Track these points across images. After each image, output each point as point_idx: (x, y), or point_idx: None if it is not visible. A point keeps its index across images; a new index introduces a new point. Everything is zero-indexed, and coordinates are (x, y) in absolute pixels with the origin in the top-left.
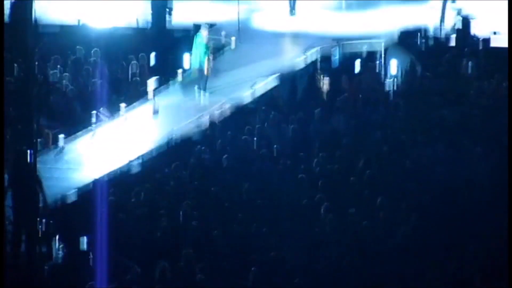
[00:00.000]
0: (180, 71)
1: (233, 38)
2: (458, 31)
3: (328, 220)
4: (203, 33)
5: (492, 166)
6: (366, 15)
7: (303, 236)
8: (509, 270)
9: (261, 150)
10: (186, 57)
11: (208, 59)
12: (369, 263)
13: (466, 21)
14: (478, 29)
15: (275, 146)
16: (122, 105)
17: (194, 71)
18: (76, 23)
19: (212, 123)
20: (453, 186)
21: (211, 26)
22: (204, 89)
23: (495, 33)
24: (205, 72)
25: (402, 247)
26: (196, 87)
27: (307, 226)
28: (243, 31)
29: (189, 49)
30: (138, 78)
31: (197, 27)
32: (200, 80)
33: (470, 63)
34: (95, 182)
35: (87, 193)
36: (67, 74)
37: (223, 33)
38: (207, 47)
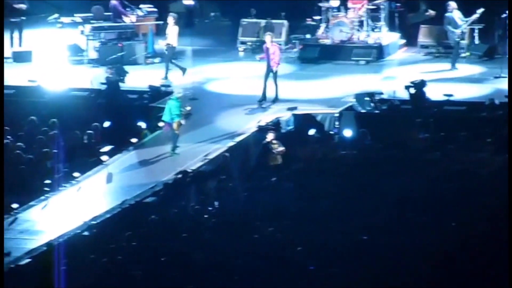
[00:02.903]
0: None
1: (188, 108)
2: (411, 97)
3: None
4: (177, 92)
5: (441, 236)
6: (320, 83)
7: None
8: (509, 270)
9: (213, 219)
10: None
11: (181, 116)
12: None
13: (419, 87)
14: (431, 94)
15: (228, 215)
16: (76, 174)
17: (165, 127)
18: (30, 84)
19: (166, 192)
20: (401, 257)
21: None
22: (173, 150)
23: (448, 97)
24: (176, 130)
25: None
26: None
27: None
28: (198, 96)
29: (144, 113)
30: (93, 145)
31: (153, 89)
32: (171, 139)
33: (421, 130)
34: (48, 251)
35: (40, 262)
36: (20, 144)
37: None
38: (180, 105)
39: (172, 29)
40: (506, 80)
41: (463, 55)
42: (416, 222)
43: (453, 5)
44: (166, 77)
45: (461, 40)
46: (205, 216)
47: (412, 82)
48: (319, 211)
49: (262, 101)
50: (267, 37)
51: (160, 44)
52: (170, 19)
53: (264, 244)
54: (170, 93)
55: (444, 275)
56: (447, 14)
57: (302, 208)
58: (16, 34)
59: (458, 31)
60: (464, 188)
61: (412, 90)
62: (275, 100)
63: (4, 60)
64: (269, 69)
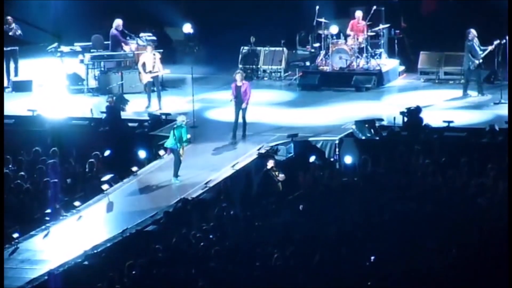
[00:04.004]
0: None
1: (188, 136)
2: (409, 123)
3: None
4: (181, 119)
5: (447, 262)
6: (320, 110)
7: None
8: (509, 269)
9: (215, 247)
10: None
11: (186, 143)
12: None
13: (415, 113)
14: (431, 120)
15: (229, 242)
16: (77, 203)
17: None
18: (30, 114)
19: (167, 220)
20: (408, 281)
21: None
22: (176, 176)
23: (448, 123)
24: (181, 156)
25: None
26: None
27: None
28: (198, 124)
29: (144, 140)
30: (94, 174)
31: (152, 117)
32: (174, 165)
33: (422, 156)
34: (49, 281)
35: None
36: (22, 173)
37: None
38: (186, 131)
39: (156, 59)
40: (506, 105)
41: (462, 81)
42: (421, 247)
43: (474, 33)
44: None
45: (478, 68)
46: (207, 244)
47: (407, 109)
48: (324, 237)
49: (234, 139)
50: (237, 76)
51: (147, 78)
52: (149, 49)
53: (267, 271)
54: (171, 121)
55: None
56: (469, 43)
57: (307, 235)
58: (11, 64)
59: (476, 61)
60: (467, 214)
61: (407, 116)
62: (244, 136)
63: (4, 89)
64: (239, 108)
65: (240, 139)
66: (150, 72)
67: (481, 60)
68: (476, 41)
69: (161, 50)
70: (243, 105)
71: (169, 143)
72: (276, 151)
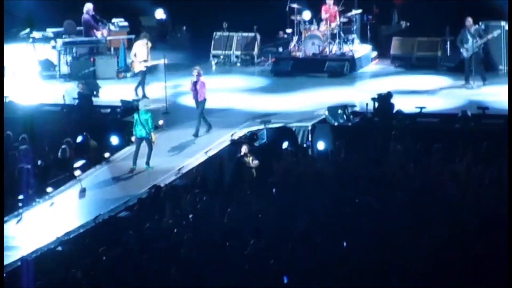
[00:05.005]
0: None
1: (160, 122)
2: (380, 109)
3: None
4: (144, 104)
5: (421, 251)
6: (293, 96)
7: None
8: (509, 269)
9: (188, 233)
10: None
11: (153, 129)
12: None
13: (386, 99)
14: (403, 105)
15: (202, 229)
16: (49, 189)
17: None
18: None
19: (139, 206)
20: (382, 272)
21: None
22: (148, 163)
23: (420, 109)
24: (153, 141)
25: None
26: (132, 163)
27: None
28: (170, 110)
29: (116, 127)
30: (66, 160)
31: (125, 103)
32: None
33: (395, 142)
34: (22, 267)
35: (14, 278)
36: None
37: None
38: (152, 116)
39: (149, 48)
40: (478, 91)
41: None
42: (394, 236)
43: (470, 20)
44: (144, 95)
45: (470, 57)
46: (180, 230)
47: (378, 94)
48: (296, 227)
49: (209, 130)
50: (194, 71)
51: (140, 66)
52: (144, 39)
53: (239, 258)
54: None
55: None
56: (463, 31)
57: (279, 224)
58: None
59: (464, 49)
60: (440, 201)
61: (378, 102)
62: (195, 136)
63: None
64: (197, 103)
65: (214, 125)
66: (144, 61)
67: (476, 49)
68: (472, 30)
69: (133, 36)
70: (199, 100)
71: (142, 132)
72: (249, 138)
